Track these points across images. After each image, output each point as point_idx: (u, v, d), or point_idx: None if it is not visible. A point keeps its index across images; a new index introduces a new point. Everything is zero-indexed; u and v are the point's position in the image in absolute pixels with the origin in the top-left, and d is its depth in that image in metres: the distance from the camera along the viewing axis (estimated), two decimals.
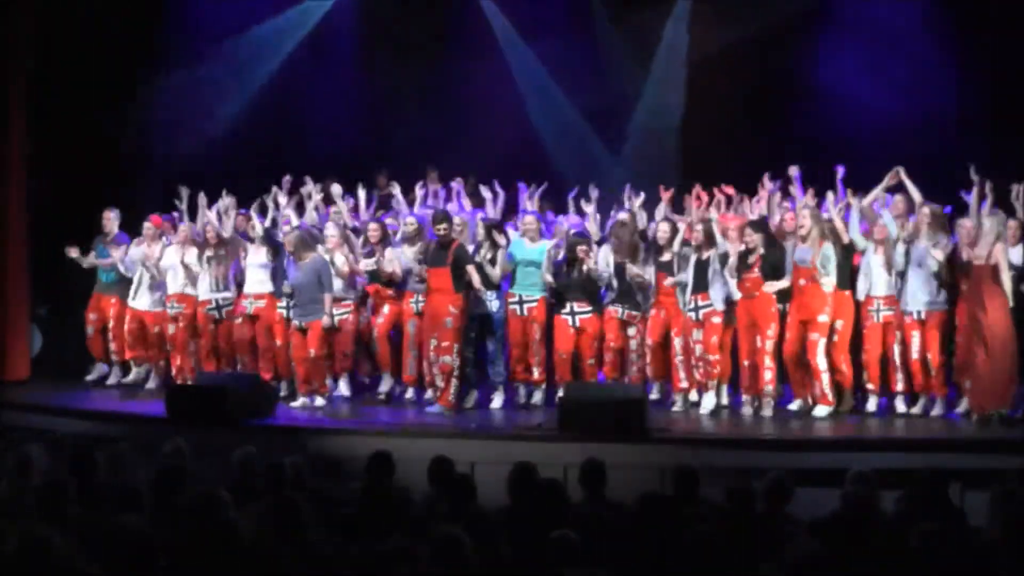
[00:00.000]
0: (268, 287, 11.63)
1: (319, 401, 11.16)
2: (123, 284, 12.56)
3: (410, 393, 11.65)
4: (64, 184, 13.48)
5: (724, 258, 10.56)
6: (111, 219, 12.67)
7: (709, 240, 10.66)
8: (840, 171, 10.92)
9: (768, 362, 10.45)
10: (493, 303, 11.10)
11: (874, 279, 10.53)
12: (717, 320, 10.61)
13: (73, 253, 12.51)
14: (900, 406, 10.58)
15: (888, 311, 10.51)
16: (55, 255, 12.86)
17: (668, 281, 10.82)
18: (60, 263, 12.75)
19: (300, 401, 11.17)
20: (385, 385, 11.75)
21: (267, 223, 11.94)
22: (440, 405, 10.65)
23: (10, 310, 12.87)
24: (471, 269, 10.62)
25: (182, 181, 12.56)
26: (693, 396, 10.90)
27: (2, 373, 12.72)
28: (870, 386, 10.68)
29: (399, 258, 11.41)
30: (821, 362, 10.34)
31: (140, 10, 13.81)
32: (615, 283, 10.97)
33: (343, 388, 11.79)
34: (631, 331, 11.06)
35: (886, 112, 12.92)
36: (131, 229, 12.60)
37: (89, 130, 13.66)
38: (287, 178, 12.30)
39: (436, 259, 10.66)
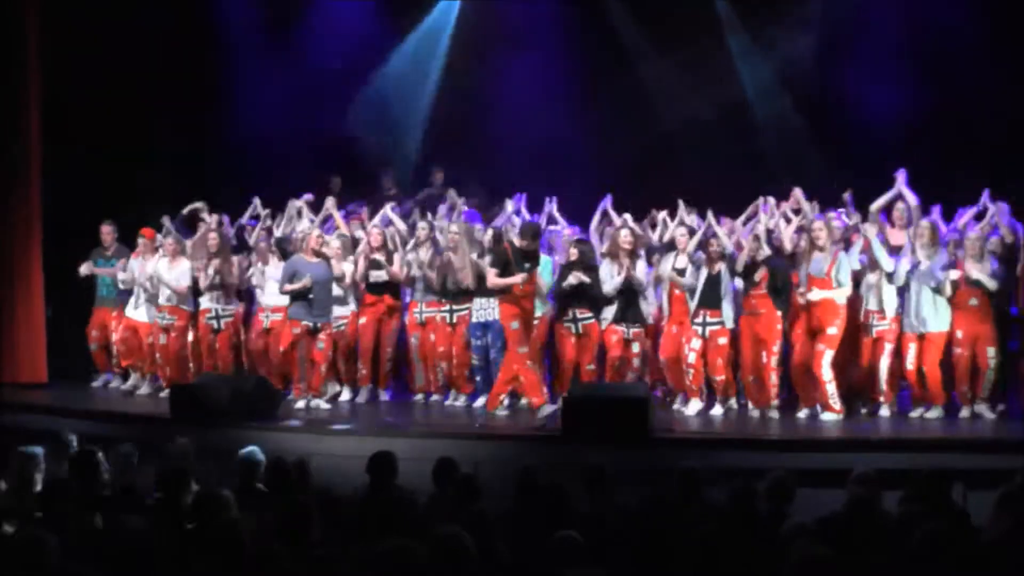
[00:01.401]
0: (285, 299, 11.60)
1: (323, 404, 11.19)
2: (122, 297, 12.56)
3: (419, 396, 11.72)
4: (70, 186, 13.52)
5: (731, 262, 10.56)
6: (108, 233, 12.69)
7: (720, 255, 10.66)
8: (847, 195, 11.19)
9: (773, 378, 10.49)
10: (495, 311, 11.09)
11: (869, 294, 10.54)
12: (723, 341, 10.63)
13: (84, 271, 12.55)
14: (884, 412, 10.58)
15: (882, 326, 10.51)
16: (60, 256, 12.89)
17: (670, 274, 10.85)
18: (65, 265, 12.77)
19: (302, 403, 11.18)
20: (385, 395, 11.86)
21: (279, 232, 12.00)
22: (539, 406, 10.43)
23: (28, 314, 12.90)
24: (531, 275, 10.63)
25: (189, 184, 12.59)
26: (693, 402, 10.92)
27: (21, 375, 12.73)
28: (871, 396, 10.70)
29: (410, 263, 11.46)
30: (826, 373, 10.32)
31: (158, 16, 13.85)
32: (618, 298, 10.94)
33: (345, 393, 11.83)
34: (635, 348, 11.03)
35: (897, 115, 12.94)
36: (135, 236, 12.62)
37: (97, 132, 13.67)
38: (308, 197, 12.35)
39: (532, 267, 10.57)
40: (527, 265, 10.53)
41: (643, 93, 14.26)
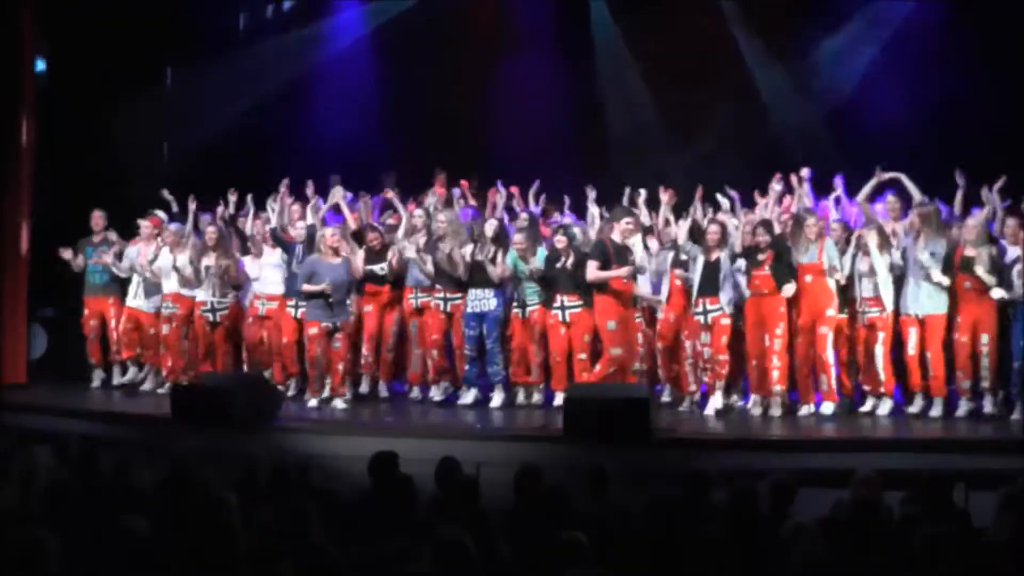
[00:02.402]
0: (281, 288, 11.64)
1: (340, 403, 11.19)
2: (116, 284, 12.56)
3: (415, 392, 11.71)
4: (73, 185, 13.52)
5: (735, 257, 10.57)
6: (100, 218, 12.70)
7: (722, 240, 10.64)
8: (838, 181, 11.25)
9: (776, 362, 10.42)
10: (491, 301, 11.11)
11: (862, 283, 10.55)
12: (726, 322, 10.62)
13: (66, 255, 12.55)
14: (884, 407, 10.53)
15: (873, 312, 10.51)
16: (58, 257, 12.89)
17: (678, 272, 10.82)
18: (66, 264, 12.76)
19: (314, 401, 11.20)
20: (384, 391, 11.87)
21: (275, 223, 12.00)
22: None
23: (9, 313, 12.88)
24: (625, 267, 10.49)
25: (185, 182, 12.59)
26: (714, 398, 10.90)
27: (1, 376, 12.70)
28: (866, 387, 10.71)
29: (405, 248, 11.45)
30: (830, 355, 10.36)
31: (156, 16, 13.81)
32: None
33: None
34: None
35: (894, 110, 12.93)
36: (131, 230, 12.60)
37: (95, 130, 13.65)
38: (286, 181, 12.36)
39: (623, 260, 10.41)
40: (631, 258, 10.39)
41: (645, 89, 14.28)
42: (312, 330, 11.11)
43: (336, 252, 11.11)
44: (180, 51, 14.12)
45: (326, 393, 11.20)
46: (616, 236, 10.56)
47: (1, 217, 12.87)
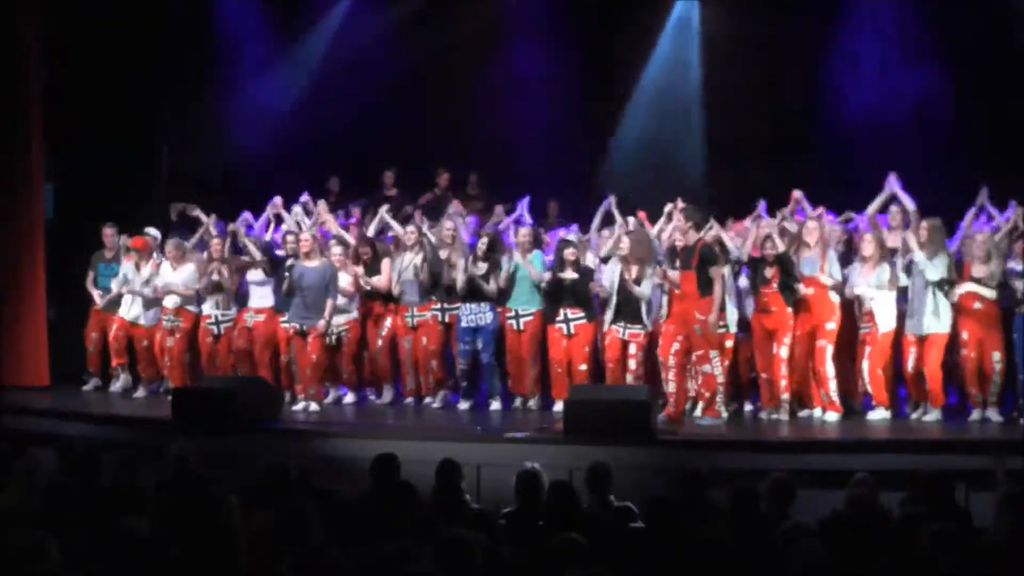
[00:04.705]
0: (268, 302, 11.68)
1: (313, 406, 11.14)
2: (120, 301, 12.54)
3: (410, 400, 11.71)
4: (77, 189, 13.54)
5: (737, 264, 10.52)
6: (110, 235, 12.69)
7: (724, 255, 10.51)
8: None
9: (783, 370, 10.44)
10: (487, 315, 11.09)
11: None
12: (729, 344, 10.58)
13: (101, 302, 12.55)
14: (878, 415, 10.48)
15: (865, 328, 10.51)
16: (65, 258, 12.90)
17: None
18: (71, 267, 12.77)
19: (301, 405, 11.19)
20: (387, 395, 11.87)
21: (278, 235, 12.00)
22: (709, 416, 10.20)
23: (31, 317, 12.90)
24: (716, 272, 10.04)
25: (191, 190, 12.61)
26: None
27: (23, 379, 12.71)
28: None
29: (398, 269, 11.41)
30: (829, 369, 10.34)
31: (157, 22, 13.81)
32: (615, 298, 10.78)
33: (348, 396, 11.87)
34: (631, 349, 10.84)
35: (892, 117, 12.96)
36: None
37: (105, 137, 13.68)
38: (305, 198, 12.30)
39: (684, 261, 10.11)
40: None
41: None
42: (288, 332, 11.24)
43: (309, 255, 11.07)
44: (179, 58, 14.12)
45: (301, 396, 11.22)
46: (678, 237, 10.33)
47: (19, 221, 12.91)
